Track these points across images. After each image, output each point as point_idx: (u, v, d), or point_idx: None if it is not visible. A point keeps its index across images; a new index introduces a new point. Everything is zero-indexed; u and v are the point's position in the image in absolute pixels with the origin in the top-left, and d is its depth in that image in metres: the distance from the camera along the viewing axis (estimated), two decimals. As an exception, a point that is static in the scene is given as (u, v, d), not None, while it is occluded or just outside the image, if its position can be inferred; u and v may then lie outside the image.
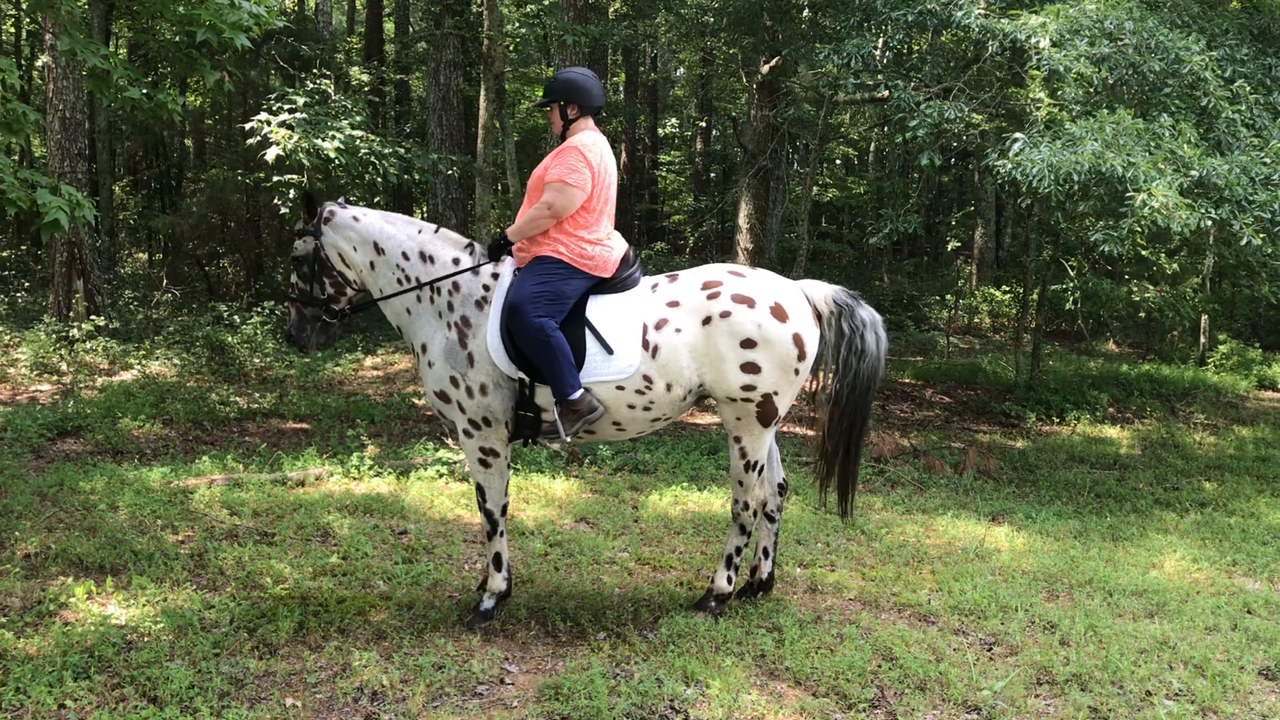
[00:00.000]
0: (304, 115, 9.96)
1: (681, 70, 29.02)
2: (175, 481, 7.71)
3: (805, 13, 11.85)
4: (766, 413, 5.48)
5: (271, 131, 9.67)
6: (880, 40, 10.08)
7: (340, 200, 5.76)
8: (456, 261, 5.52)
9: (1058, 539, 7.53)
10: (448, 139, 14.93)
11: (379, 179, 10.84)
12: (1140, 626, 5.63)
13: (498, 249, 5.52)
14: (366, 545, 6.49)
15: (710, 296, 5.41)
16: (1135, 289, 15.76)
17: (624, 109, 23.12)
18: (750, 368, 5.36)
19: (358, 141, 10.10)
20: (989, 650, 5.33)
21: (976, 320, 21.40)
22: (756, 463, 5.65)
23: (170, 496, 7.35)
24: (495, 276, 5.50)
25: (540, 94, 6.09)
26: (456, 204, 15.01)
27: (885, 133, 16.73)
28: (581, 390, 5.21)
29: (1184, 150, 7.63)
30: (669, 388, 5.38)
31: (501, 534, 5.57)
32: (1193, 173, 7.58)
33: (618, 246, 5.54)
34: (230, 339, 12.94)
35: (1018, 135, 8.03)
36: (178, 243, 18.82)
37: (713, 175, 28.61)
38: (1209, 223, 7.53)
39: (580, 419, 5.24)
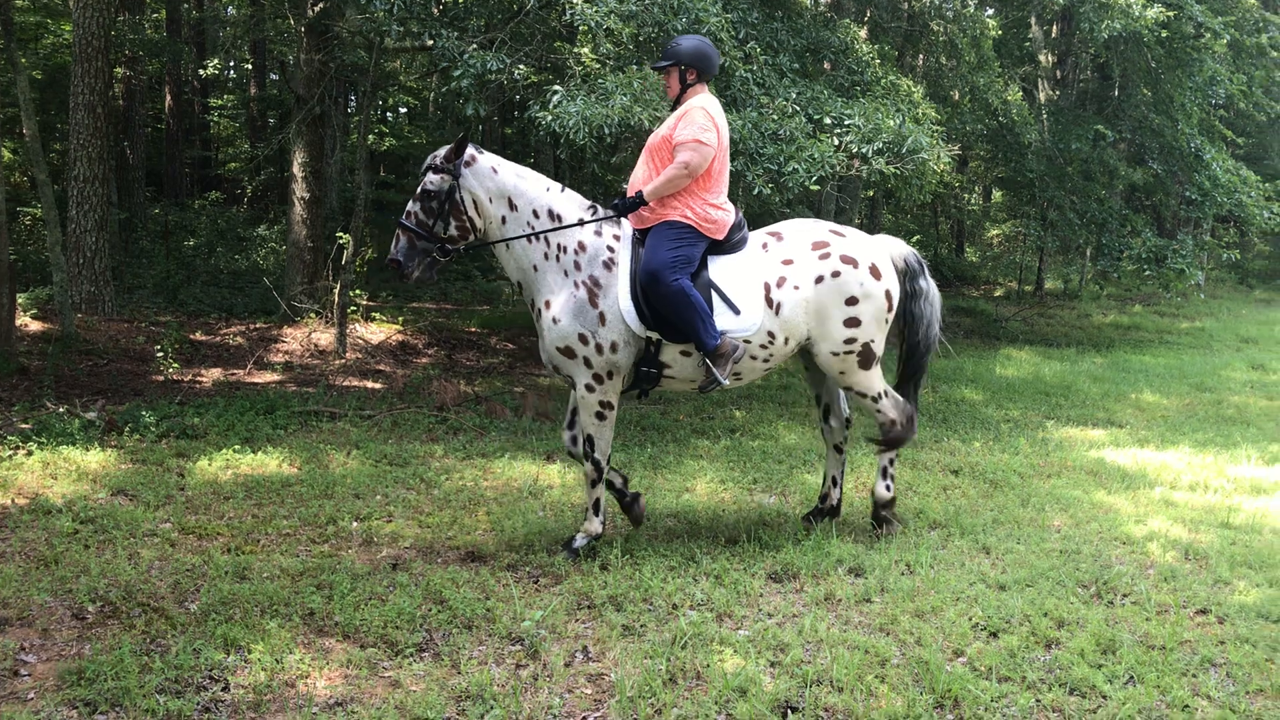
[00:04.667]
0: None
1: (232, 9, 27.29)
2: None
3: (351, -45, 11.53)
4: (866, 357, 6.19)
5: None
6: (426, -13, 10.04)
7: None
8: (581, 222, 5.82)
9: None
10: (-52, 75, 13.16)
11: None
12: (672, 546, 6.12)
13: (631, 206, 5.80)
14: None
15: (822, 256, 6.03)
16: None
17: (167, 48, 21.40)
18: (852, 322, 6.05)
19: None
20: (536, 582, 5.59)
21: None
22: (879, 393, 6.33)
23: None
24: (616, 238, 5.87)
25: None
26: (-37, 150, 13.29)
27: (435, 82, 16.73)
28: (720, 336, 5.69)
29: (704, 106, 8.24)
30: (786, 341, 6.01)
31: (604, 481, 6.00)
32: (712, 127, 8.21)
33: (731, 210, 5.98)
34: None
35: (557, 88, 8.33)
36: None
37: (270, 120, 27.25)
38: (726, 173, 8.23)
39: (729, 360, 5.71)
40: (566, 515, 6.78)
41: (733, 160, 8.32)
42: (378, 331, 13.52)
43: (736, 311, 5.82)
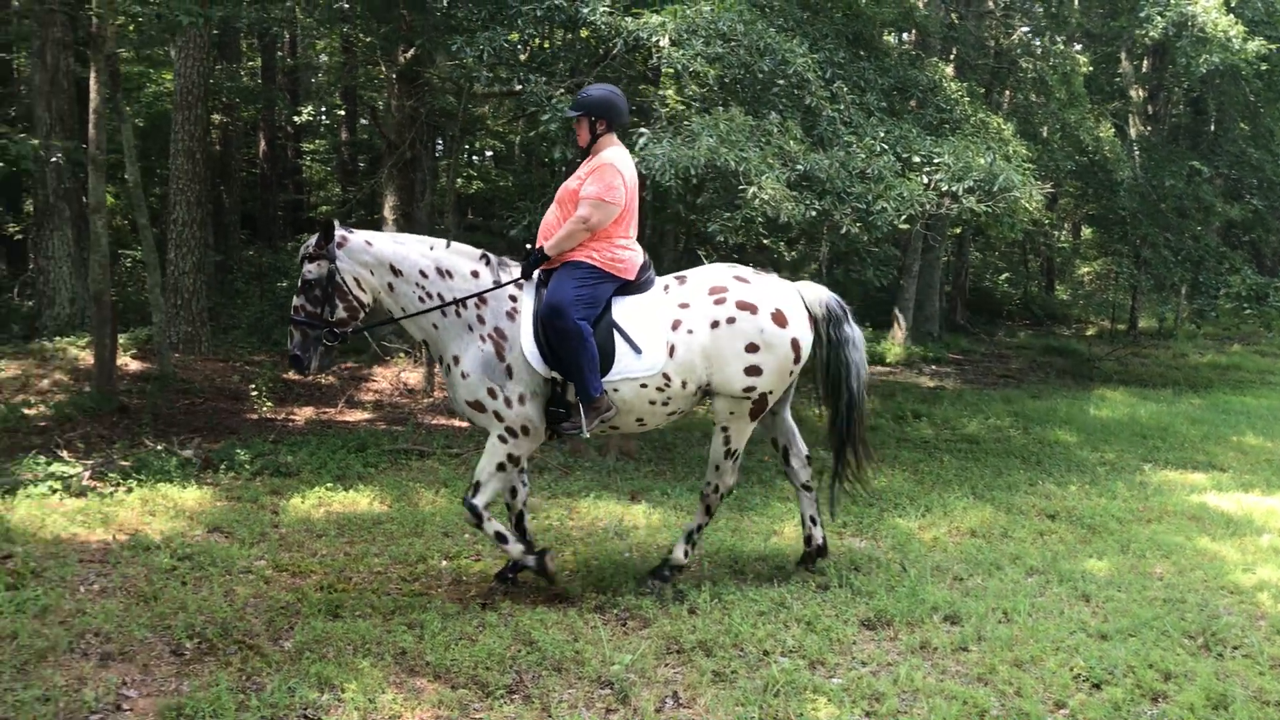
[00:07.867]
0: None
1: (325, 57, 28.04)
2: None
3: (440, 2, 11.78)
4: (758, 408, 6.01)
5: None
6: (515, 34, 10.19)
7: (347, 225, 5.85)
8: (475, 274, 5.81)
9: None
10: (58, 124, 13.64)
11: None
12: (761, 590, 6.04)
13: (534, 265, 5.77)
14: (-39, 575, 5.85)
15: (717, 302, 5.87)
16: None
17: (262, 94, 22.06)
18: (753, 370, 5.86)
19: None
20: (624, 625, 5.56)
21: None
22: (737, 451, 6.13)
23: None
24: (519, 285, 5.82)
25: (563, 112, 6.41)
26: (70, 195, 13.76)
27: (521, 126, 16.95)
28: (602, 390, 5.61)
29: (791, 146, 8.24)
30: (684, 385, 5.84)
31: (491, 519, 5.79)
32: (799, 167, 8.20)
33: (639, 251, 5.95)
34: None
35: (643, 130, 8.38)
36: None
37: (361, 165, 27.86)
38: (813, 213, 8.19)
39: (599, 415, 5.64)
40: (653, 556, 6.74)
41: (820, 199, 8.28)
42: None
43: (639, 352, 5.73)
